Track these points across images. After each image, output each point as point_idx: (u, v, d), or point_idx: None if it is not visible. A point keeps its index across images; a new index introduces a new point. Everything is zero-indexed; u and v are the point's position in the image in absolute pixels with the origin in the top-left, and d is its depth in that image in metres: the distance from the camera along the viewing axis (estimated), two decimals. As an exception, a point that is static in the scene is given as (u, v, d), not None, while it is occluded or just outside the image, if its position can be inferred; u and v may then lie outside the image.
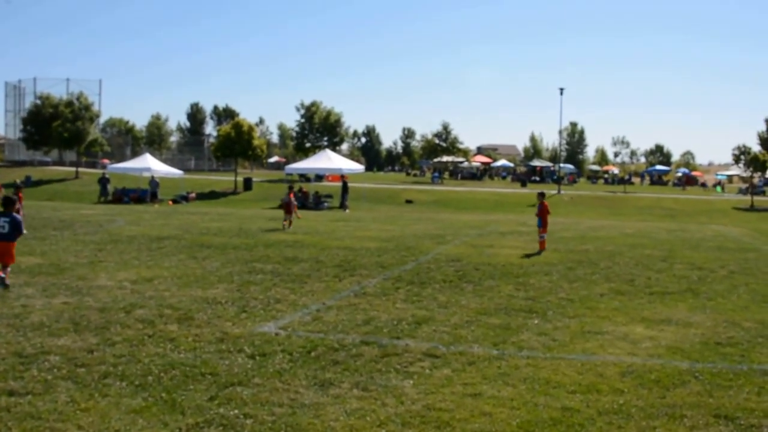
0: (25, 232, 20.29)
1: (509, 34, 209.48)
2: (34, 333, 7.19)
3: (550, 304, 9.40)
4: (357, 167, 48.04)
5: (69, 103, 60.29)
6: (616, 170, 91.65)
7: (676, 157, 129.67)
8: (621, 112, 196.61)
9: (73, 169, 62.28)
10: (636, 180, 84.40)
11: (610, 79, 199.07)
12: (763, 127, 78.29)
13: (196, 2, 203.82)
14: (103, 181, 44.16)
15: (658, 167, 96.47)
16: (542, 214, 16.37)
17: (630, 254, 15.57)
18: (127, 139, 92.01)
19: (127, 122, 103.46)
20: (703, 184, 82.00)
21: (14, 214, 9.87)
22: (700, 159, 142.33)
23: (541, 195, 17.12)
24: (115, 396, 5.28)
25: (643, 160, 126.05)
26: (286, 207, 22.66)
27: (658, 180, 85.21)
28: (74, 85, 70.55)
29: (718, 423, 4.99)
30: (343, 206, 37.44)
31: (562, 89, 59.70)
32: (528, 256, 14.91)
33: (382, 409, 5.13)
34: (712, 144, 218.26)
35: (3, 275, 9.58)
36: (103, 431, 4.59)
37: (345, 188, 38.25)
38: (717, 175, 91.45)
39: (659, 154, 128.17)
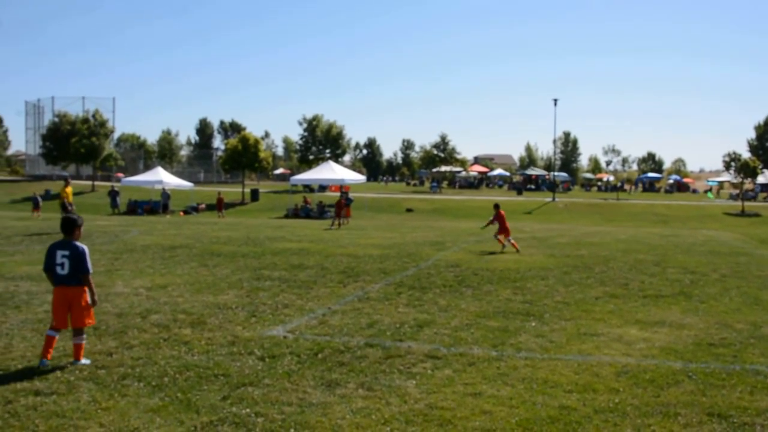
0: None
1: (504, 50, 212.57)
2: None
3: (546, 308, 9.54)
4: (359, 178, 48.42)
5: (85, 120, 62.21)
6: (611, 177, 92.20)
7: (667, 164, 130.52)
8: (614, 121, 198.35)
9: (90, 182, 63.77)
10: (628, 187, 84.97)
11: (603, 90, 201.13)
12: (752, 134, 78.98)
13: (203, 22, 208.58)
14: (113, 194, 45.21)
15: (650, 174, 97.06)
16: (499, 220, 17.27)
17: (624, 259, 15.72)
18: (140, 154, 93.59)
19: (140, 137, 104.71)
20: (694, 191, 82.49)
21: (77, 243, 6.48)
22: (692, 166, 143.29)
23: (496, 207, 17.89)
24: (134, 396, 5.45)
25: (635, 167, 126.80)
26: (337, 210, 28.48)
27: (649, 187, 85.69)
28: (90, 102, 72.29)
29: (712, 421, 5.03)
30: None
31: (556, 100, 60.70)
32: (495, 253, 15.42)
33: (387, 408, 5.25)
34: (703, 151, 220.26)
35: (77, 358, 6.36)
36: (123, 429, 4.75)
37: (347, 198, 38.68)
38: (708, 181, 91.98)
39: (651, 161, 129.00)
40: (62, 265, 6.34)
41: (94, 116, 63.26)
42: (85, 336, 6.53)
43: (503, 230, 17.22)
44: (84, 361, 6.36)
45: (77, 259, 6.35)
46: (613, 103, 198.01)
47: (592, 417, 5.10)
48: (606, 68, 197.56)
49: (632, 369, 6.43)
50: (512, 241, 17.10)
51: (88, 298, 6.46)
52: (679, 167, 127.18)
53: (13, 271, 12.37)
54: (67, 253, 6.36)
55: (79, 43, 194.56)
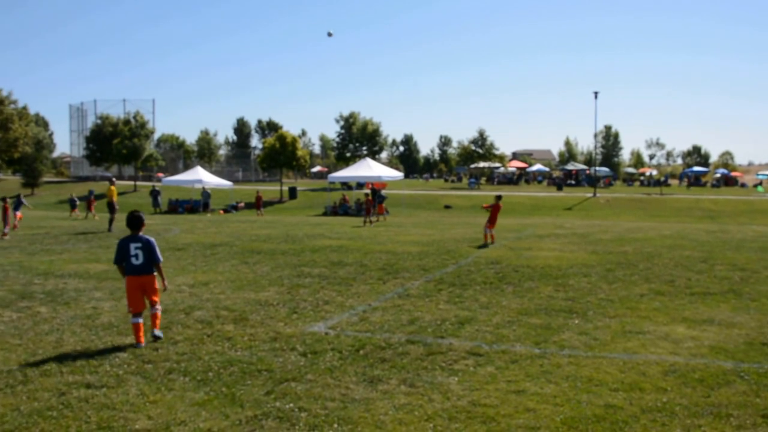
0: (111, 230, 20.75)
1: (543, 44, 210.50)
2: (104, 332, 7.65)
3: (590, 305, 9.38)
4: (396, 175, 48.51)
5: (126, 122, 64.21)
6: (654, 172, 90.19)
7: (714, 157, 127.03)
8: (658, 114, 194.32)
9: (132, 182, 65.51)
10: (673, 182, 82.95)
11: (645, 83, 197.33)
12: (805, 125, 75.95)
13: (238, 20, 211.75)
14: (154, 194, 46.45)
15: (696, 168, 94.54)
16: (493, 210, 18.41)
17: (669, 255, 15.31)
18: (180, 154, 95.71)
19: (179, 138, 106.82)
20: (743, 185, 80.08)
21: (146, 236, 7.22)
22: (740, 159, 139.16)
23: (498, 198, 19.11)
24: (180, 390, 5.58)
25: (680, 161, 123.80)
26: (366, 208, 28.72)
27: (695, 181, 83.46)
28: (130, 105, 74.88)
29: (767, 423, 4.88)
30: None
31: (596, 93, 59.25)
32: (479, 247, 16.43)
33: (429, 404, 5.24)
34: (752, 144, 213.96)
35: (155, 330, 7.13)
36: (170, 422, 4.86)
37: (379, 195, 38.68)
38: (758, 174, 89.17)
39: (697, 155, 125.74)
40: (136, 256, 7.04)
41: (134, 118, 65.05)
42: (159, 307, 7.28)
43: (492, 220, 18.21)
44: (159, 333, 7.13)
45: (150, 249, 7.10)
46: (657, 96, 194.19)
47: (639, 416, 5.01)
48: (649, 62, 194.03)
49: (680, 368, 6.28)
50: (492, 233, 18.05)
51: (159, 284, 7.23)
52: (726, 160, 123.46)
53: (62, 269, 12.78)
54: (139, 245, 7.08)
55: (117, 42, 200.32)
